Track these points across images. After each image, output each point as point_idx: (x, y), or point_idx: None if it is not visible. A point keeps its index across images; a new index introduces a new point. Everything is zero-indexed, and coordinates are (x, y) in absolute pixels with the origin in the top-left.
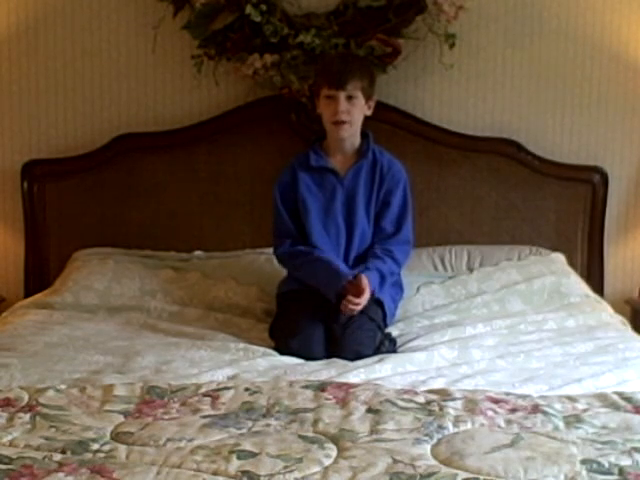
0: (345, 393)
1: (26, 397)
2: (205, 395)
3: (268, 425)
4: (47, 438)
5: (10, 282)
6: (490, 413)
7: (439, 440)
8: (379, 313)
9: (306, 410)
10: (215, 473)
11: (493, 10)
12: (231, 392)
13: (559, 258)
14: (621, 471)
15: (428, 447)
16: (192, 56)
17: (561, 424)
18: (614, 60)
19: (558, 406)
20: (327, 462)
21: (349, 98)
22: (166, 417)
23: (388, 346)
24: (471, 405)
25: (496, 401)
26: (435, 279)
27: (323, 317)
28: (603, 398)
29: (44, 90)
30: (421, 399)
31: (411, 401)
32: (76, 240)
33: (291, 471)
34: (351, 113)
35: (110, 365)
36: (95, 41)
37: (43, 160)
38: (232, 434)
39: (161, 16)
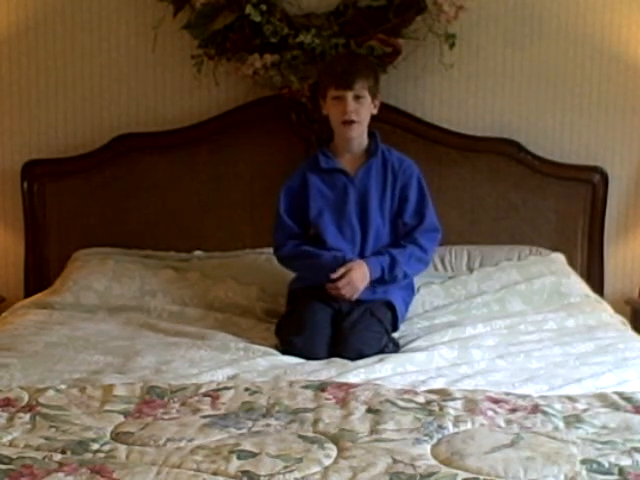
0: (345, 393)
1: (26, 397)
2: (205, 395)
3: (268, 425)
4: (47, 438)
5: (10, 282)
6: (490, 413)
7: (439, 440)
8: (388, 315)
9: (306, 410)
10: (215, 473)
11: (493, 10)
12: (231, 392)
13: (559, 258)
14: (621, 471)
15: (428, 447)
16: (192, 56)
17: (561, 424)
18: (614, 60)
19: (558, 406)
20: (327, 462)
21: (357, 98)
22: (166, 417)
23: (391, 349)
24: (471, 405)
25: (496, 401)
26: (435, 279)
27: (332, 316)
28: (603, 398)
29: (44, 90)
30: (421, 399)
31: (411, 401)
32: (76, 240)
33: (291, 471)
34: (359, 112)
35: (110, 365)
36: (95, 41)
37: (43, 160)
38: (232, 434)
39: (161, 16)
